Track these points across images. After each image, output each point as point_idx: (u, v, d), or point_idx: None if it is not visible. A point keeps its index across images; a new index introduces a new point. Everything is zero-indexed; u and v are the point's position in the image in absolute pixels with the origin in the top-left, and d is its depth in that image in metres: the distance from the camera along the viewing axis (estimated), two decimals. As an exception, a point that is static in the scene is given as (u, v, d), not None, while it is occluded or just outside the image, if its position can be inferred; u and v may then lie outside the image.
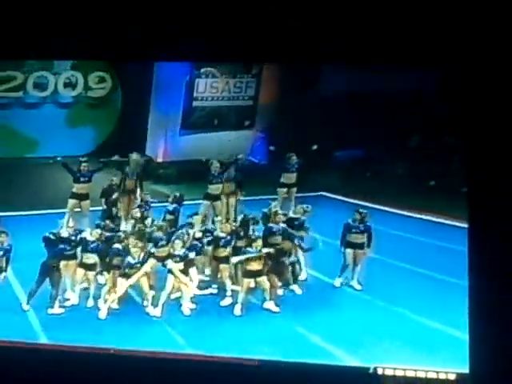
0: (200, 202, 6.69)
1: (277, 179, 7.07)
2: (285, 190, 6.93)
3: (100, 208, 6.89)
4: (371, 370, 5.09)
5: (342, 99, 6.99)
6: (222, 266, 6.24)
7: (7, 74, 7.27)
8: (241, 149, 7.38)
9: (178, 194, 6.66)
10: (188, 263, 6.02)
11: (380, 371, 5.10)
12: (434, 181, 6.92)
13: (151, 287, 6.01)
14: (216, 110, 7.50)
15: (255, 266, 5.94)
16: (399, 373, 5.07)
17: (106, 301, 5.93)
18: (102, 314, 5.85)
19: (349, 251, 6.24)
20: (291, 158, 6.82)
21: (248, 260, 5.97)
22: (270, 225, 6.29)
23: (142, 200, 6.80)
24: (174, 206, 6.60)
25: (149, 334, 5.63)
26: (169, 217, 6.56)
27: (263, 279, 5.94)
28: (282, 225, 6.30)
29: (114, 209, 6.84)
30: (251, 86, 7.54)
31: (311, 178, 7.15)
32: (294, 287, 6.20)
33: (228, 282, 6.19)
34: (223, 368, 5.24)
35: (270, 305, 5.94)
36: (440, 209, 6.81)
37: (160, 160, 7.60)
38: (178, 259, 5.98)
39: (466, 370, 4.91)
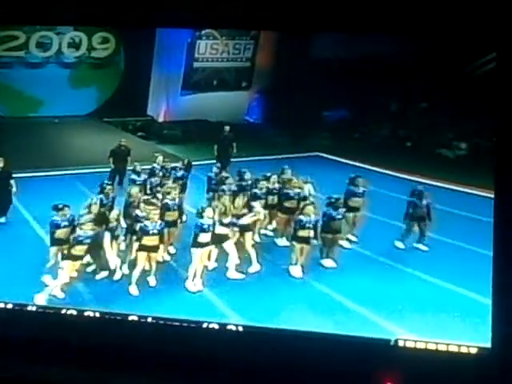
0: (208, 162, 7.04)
1: (271, 139, 7.50)
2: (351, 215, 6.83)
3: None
4: (392, 343, 4.99)
5: (333, 64, 7.28)
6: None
7: (8, 33, 7.29)
8: (238, 109, 7.74)
9: (186, 161, 6.88)
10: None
11: (401, 343, 4.98)
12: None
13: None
14: (216, 71, 7.72)
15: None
16: (420, 345, 4.96)
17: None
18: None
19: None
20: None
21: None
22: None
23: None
24: (182, 172, 6.82)
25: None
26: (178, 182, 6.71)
27: None
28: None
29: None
30: (249, 47, 7.75)
31: (306, 139, 7.50)
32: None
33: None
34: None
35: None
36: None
37: (161, 120, 7.84)
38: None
39: (488, 345, 4.82)
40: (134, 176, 6.88)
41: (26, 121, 7.50)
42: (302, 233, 6.11)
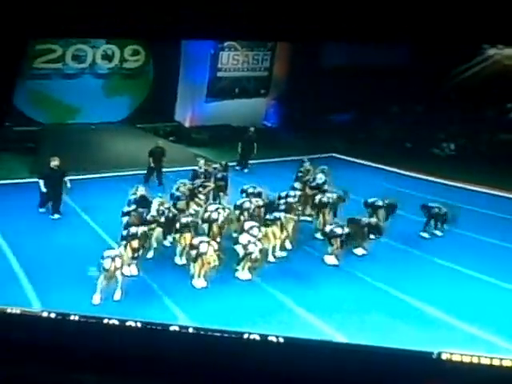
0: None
1: (288, 141, 8.24)
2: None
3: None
4: (435, 355, 4.75)
5: (342, 71, 7.92)
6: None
7: (47, 46, 8.00)
8: (257, 114, 8.46)
9: (223, 162, 7.37)
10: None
11: (444, 356, 4.72)
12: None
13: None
14: (237, 80, 8.42)
15: None
16: (464, 358, 4.67)
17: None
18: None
19: None
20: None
21: None
22: None
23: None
24: (222, 173, 7.23)
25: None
26: (218, 183, 7.13)
27: None
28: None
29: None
30: (267, 58, 8.47)
31: (320, 141, 8.11)
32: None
33: None
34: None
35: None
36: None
37: (187, 125, 8.52)
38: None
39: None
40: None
41: (65, 127, 8.14)
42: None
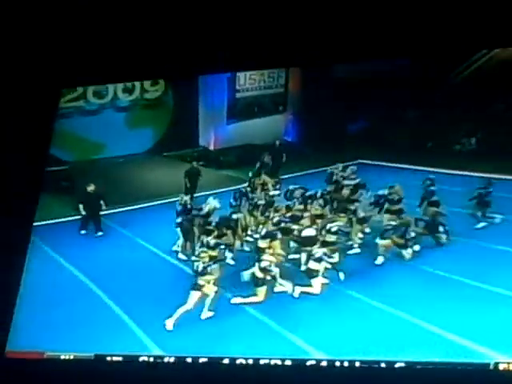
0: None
1: (309, 156, 8.38)
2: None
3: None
4: (491, 366, 4.68)
5: (353, 84, 8.09)
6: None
7: (68, 86, 8.19)
8: (277, 130, 8.58)
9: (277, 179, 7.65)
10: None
11: (502, 367, 4.66)
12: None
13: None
14: (255, 99, 8.56)
15: None
16: None
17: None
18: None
19: None
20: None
21: None
22: None
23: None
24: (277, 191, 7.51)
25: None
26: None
27: None
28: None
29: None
30: (282, 75, 8.57)
31: (344, 149, 8.19)
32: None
33: None
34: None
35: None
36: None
37: (212, 148, 8.64)
38: None
39: None
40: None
41: (93, 163, 8.27)
42: None
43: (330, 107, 8.19)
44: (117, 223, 7.63)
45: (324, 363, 5.12)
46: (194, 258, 6.54)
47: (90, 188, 7.72)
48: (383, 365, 4.96)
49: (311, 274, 6.17)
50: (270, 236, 6.64)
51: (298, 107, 8.71)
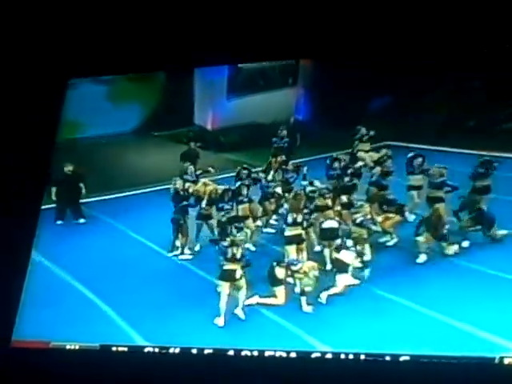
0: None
1: (327, 136, 7.13)
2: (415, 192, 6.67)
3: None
4: (497, 360, 4.66)
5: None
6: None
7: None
8: (286, 107, 7.37)
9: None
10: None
11: (507, 361, 4.64)
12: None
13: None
14: (260, 71, 7.40)
15: None
16: None
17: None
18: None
19: None
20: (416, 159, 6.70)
21: None
22: None
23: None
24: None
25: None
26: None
27: None
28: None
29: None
30: (292, 43, 7.46)
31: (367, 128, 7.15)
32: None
33: None
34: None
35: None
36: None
37: (209, 127, 7.45)
38: None
39: None
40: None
41: (66, 144, 7.16)
42: None
43: (348, 79, 7.02)
44: (102, 213, 6.81)
45: (329, 355, 5.22)
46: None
47: (68, 168, 6.82)
48: (388, 358, 5.05)
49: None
50: None
51: (311, 80, 7.47)
